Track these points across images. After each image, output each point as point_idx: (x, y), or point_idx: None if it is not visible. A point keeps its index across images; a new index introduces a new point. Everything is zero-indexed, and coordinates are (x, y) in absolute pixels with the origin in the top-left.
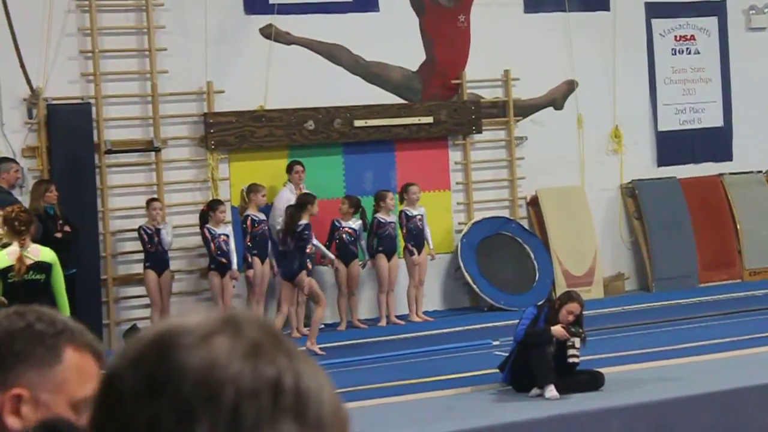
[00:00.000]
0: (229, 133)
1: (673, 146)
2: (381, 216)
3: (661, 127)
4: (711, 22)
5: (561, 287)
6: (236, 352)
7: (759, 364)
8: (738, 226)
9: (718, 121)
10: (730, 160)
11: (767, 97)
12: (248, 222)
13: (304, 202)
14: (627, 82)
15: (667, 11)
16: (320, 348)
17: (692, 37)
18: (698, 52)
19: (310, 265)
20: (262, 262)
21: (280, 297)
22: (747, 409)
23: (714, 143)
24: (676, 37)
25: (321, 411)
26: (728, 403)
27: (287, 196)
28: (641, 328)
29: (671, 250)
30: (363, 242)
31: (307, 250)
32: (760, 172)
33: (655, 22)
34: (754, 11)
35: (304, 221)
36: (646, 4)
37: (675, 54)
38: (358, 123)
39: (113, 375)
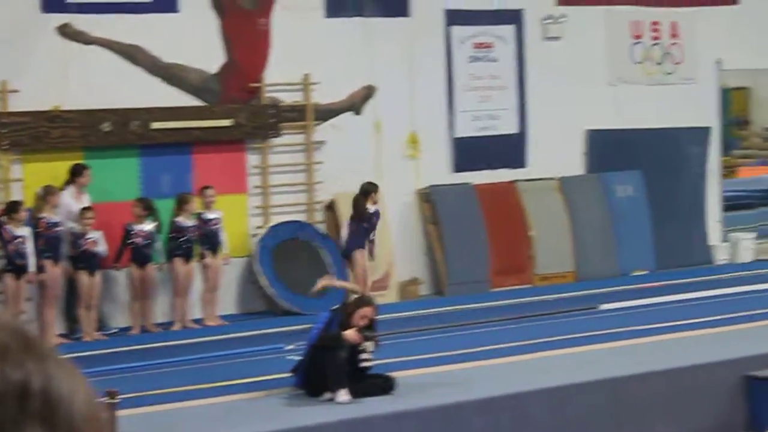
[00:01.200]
0: (23, 133)
1: (470, 152)
2: (180, 220)
3: (458, 134)
4: (509, 31)
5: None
6: None
7: (547, 368)
8: (530, 232)
9: (513, 129)
10: (525, 166)
11: (561, 106)
12: (42, 224)
13: (368, 190)
14: (425, 88)
15: (467, 19)
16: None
17: (490, 45)
18: (496, 60)
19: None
20: (56, 265)
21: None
22: (535, 411)
23: (509, 150)
24: (474, 44)
25: (72, 416)
26: (517, 405)
27: (68, 201)
28: (435, 332)
29: (465, 255)
30: (159, 245)
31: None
32: (553, 179)
33: (454, 29)
34: (550, 21)
35: (371, 207)
36: (446, 11)
37: (473, 61)
38: (155, 125)
39: None
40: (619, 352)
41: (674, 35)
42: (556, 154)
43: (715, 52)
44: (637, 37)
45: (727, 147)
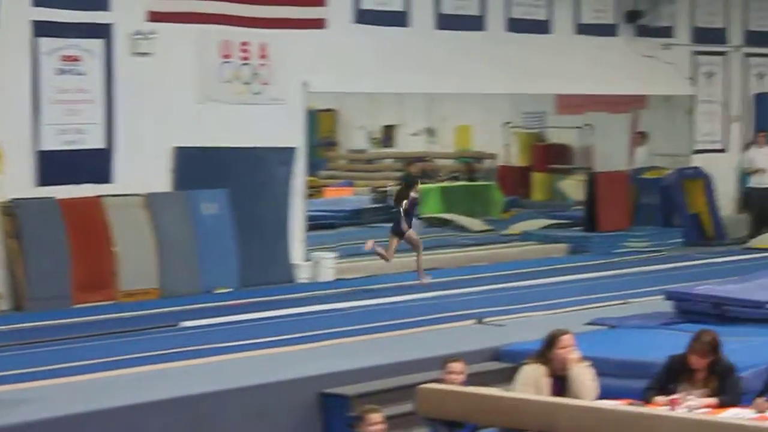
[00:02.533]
0: None
1: (55, 166)
2: None
3: (43, 147)
4: (98, 45)
5: None
6: None
7: (125, 385)
8: (114, 248)
9: (100, 143)
10: (111, 182)
11: (149, 122)
12: None
13: (412, 182)
14: (9, 100)
15: (54, 31)
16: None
17: (78, 58)
18: (84, 74)
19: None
20: None
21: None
22: (112, 430)
23: (96, 165)
24: (62, 57)
25: None
26: (93, 424)
27: None
28: (11, 349)
29: (47, 271)
30: None
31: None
32: (139, 195)
33: (41, 40)
34: (140, 36)
35: (413, 195)
36: (33, 22)
37: (61, 74)
38: None
39: None
40: (198, 369)
41: (263, 56)
42: (143, 171)
43: (302, 74)
44: (227, 56)
45: (314, 168)
